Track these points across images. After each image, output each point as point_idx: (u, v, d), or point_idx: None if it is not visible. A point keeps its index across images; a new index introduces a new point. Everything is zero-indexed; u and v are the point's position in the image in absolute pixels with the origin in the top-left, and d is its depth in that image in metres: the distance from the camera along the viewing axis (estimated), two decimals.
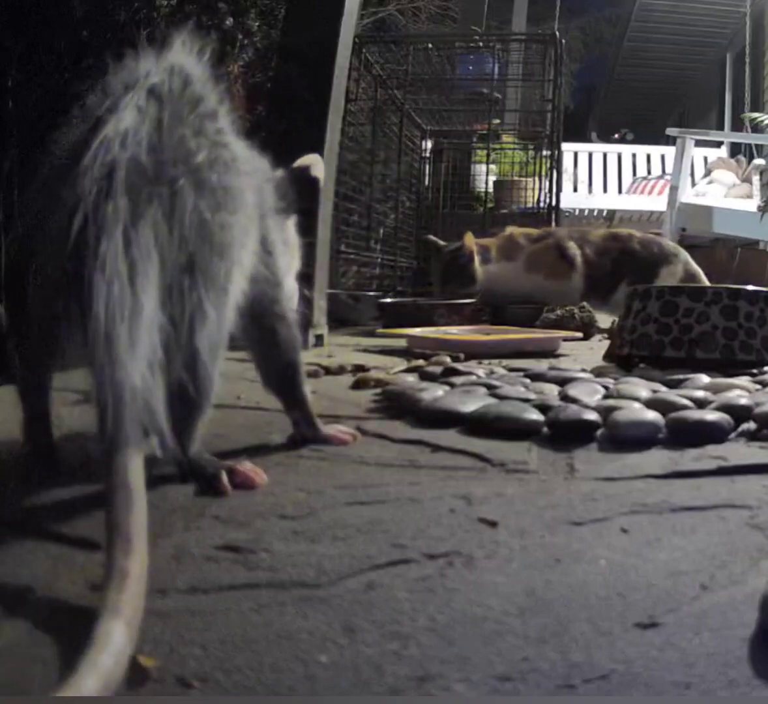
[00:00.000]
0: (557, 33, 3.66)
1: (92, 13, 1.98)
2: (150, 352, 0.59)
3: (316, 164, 0.93)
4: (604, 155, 6.50)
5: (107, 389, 0.56)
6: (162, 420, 0.59)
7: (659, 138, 6.43)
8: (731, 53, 8.06)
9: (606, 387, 1.13)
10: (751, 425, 0.97)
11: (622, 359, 1.50)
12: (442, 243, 2.85)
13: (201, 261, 0.66)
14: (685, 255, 2.83)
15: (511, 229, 2.86)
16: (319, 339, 1.96)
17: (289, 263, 0.89)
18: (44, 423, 0.78)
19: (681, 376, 1.23)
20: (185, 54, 0.73)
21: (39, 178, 0.70)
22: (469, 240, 2.70)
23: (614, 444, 0.91)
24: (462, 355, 1.68)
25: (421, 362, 1.54)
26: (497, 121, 4.02)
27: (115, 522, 0.52)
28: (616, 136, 8.26)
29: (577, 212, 5.95)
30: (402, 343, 2.00)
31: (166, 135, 0.66)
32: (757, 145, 5.89)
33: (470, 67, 4.20)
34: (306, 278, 0.94)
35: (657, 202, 5.51)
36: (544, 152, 3.70)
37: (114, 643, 0.42)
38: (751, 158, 5.82)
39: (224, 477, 0.73)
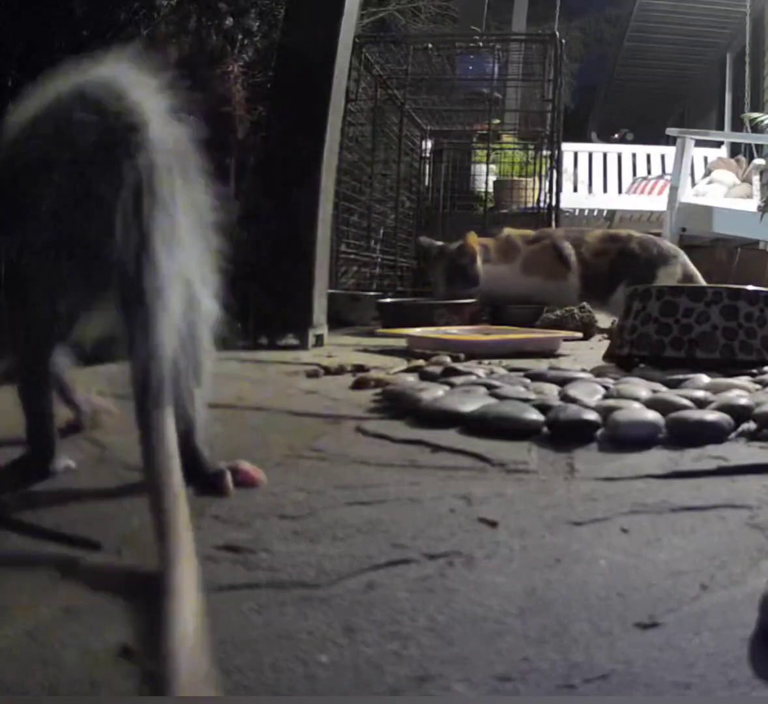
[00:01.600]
0: (557, 33, 3.66)
1: (92, 12, 1.98)
2: (176, 320, 0.66)
3: None
4: (604, 155, 6.49)
5: (150, 348, 0.62)
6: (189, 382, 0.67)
7: (659, 138, 6.42)
8: (731, 53, 8.05)
9: (606, 387, 1.13)
10: (751, 425, 0.97)
11: (622, 359, 1.50)
12: (437, 244, 2.85)
13: (208, 242, 0.73)
14: (683, 256, 2.83)
15: (508, 231, 2.86)
16: (319, 339, 1.96)
17: None
18: (45, 422, 0.78)
19: (681, 376, 1.23)
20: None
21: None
22: (473, 240, 2.69)
23: (614, 444, 0.91)
24: (462, 355, 1.68)
25: (421, 362, 1.54)
26: (497, 121, 4.02)
27: (158, 484, 0.53)
28: (616, 136, 8.25)
29: (577, 212, 5.94)
30: (402, 343, 2.00)
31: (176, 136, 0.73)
32: (757, 145, 5.88)
33: (470, 67, 4.20)
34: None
35: (657, 202, 5.50)
36: (544, 152, 3.70)
37: (187, 625, 0.43)
38: (751, 158, 5.82)
39: (228, 477, 0.73)
